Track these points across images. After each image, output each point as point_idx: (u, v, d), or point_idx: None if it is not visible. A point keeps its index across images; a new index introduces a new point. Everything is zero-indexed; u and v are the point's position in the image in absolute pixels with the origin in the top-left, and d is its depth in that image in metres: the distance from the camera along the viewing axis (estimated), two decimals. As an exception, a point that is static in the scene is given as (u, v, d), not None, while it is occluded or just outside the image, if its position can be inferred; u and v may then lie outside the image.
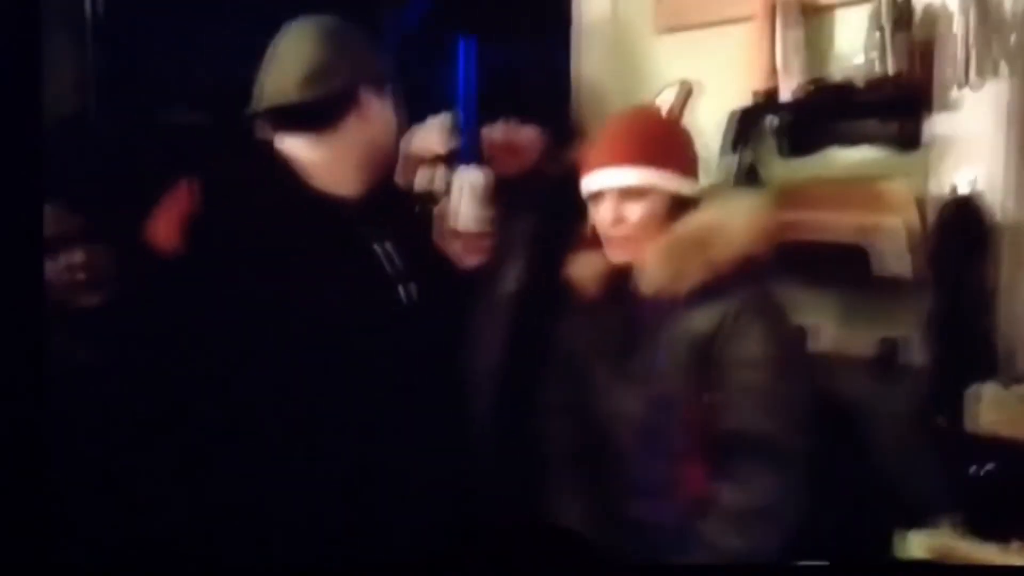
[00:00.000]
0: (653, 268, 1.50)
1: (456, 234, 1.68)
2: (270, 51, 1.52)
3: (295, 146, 1.52)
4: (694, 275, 1.47)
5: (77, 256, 1.54)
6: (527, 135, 1.77)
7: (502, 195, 1.71)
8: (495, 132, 1.74)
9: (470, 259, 1.68)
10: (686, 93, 1.81)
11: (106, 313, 1.56)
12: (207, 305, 1.44)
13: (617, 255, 1.55)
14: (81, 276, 1.55)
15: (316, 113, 1.50)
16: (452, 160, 1.74)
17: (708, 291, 1.47)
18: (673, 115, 1.77)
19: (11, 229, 1.15)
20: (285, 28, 1.53)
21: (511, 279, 1.75)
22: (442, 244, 1.69)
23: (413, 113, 1.73)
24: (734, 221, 1.49)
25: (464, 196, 1.68)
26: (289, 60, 1.50)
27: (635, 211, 1.51)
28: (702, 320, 1.47)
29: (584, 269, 1.60)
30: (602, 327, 1.58)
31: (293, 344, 1.42)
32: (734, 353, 1.44)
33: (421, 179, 1.76)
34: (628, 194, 1.51)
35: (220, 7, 2.07)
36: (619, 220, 1.52)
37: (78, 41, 2.08)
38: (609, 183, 1.52)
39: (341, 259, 1.50)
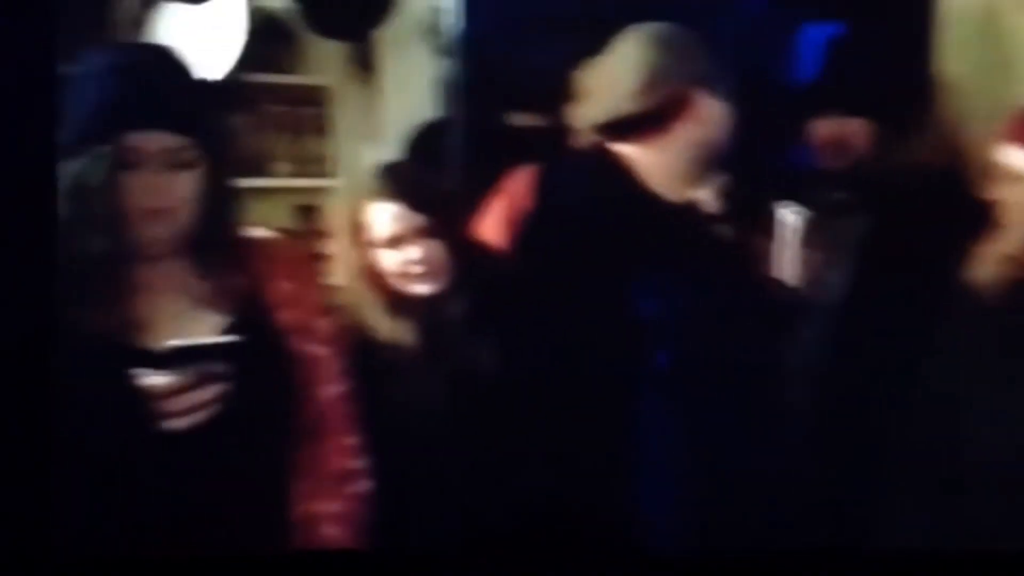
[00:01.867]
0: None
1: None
2: (601, 60, 1.53)
3: (628, 151, 1.51)
4: None
5: (415, 251, 1.60)
6: (855, 128, 1.68)
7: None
8: (825, 126, 1.67)
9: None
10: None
11: (435, 303, 1.61)
12: (536, 300, 1.44)
13: None
14: (417, 269, 1.61)
15: (648, 120, 1.48)
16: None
17: None
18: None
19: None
20: (617, 37, 1.54)
21: (837, 285, 1.60)
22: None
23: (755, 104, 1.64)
24: None
25: (787, 242, 1.57)
26: (620, 70, 1.52)
27: None
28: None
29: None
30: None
31: (622, 343, 1.41)
32: None
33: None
34: None
35: (561, 18, 2.11)
36: None
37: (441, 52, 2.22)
38: None
39: (691, 260, 1.47)
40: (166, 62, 1.32)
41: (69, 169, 1.24)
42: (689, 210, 1.56)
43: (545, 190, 1.63)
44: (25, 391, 1.24)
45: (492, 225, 1.69)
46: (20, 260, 1.27)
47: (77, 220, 1.23)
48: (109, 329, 1.25)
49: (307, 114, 2.67)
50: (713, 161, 1.58)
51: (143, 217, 1.25)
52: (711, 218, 1.58)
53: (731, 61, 1.62)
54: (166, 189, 1.25)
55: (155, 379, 1.21)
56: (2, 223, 1.27)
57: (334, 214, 1.72)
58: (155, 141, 1.24)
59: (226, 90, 2.02)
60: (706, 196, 1.58)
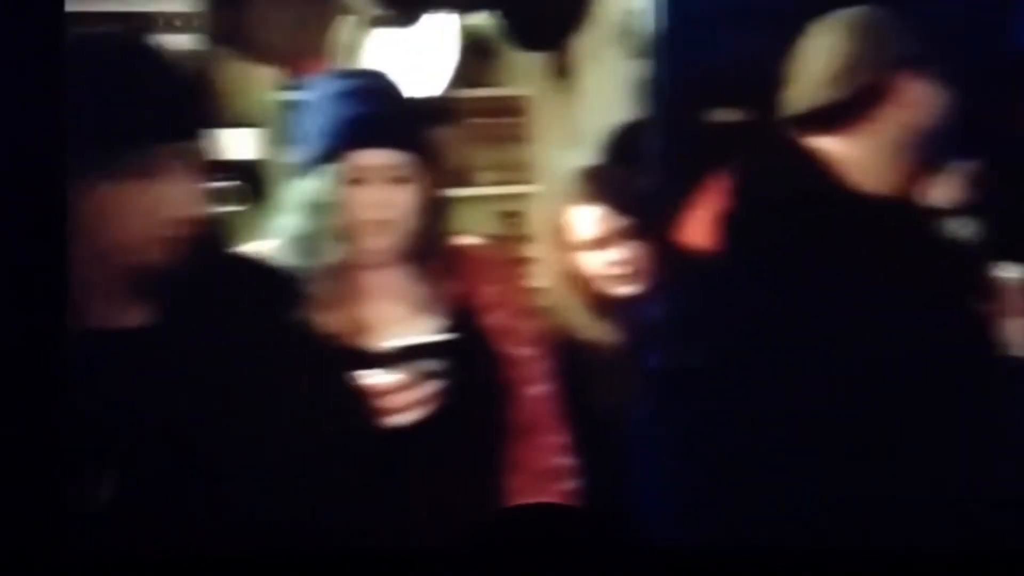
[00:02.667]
0: None
1: None
2: (798, 51, 1.47)
3: (828, 144, 1.45)
4: None
5: (617, 253, 1.60)
6: None
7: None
8: None
9: None
10: None
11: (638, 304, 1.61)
12: (739, 300, 1.42)
13: None
14: (619, 271, 1.61)
15: (846, 109, 1.41)
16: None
17: None
18: None
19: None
20: (812, 26, 1.47)
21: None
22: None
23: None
24: None
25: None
26: (814, 60, 1.45)
27: None
28: None
29: None
30: None
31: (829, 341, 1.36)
32: None
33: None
34: None
35: (759, 10, 2.05)
36: None
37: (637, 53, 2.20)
38: None
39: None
40: (386, 85, 1.41)
41: (303, 186, 1.34)
42: (899, 205, 1.46)
43: (745, 188, 1.59)
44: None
45: (695, 225, 1.66)
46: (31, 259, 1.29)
47: (310, 232, 1.33)
48: (339, 331, 1.33)
49: (508, 124, 2.74)
50: (930, 148, 1.47)
51: (368, 229, 1.34)
52: (927, 213, 1.47)
53: (952, 39, 1.50)
54: (388, 202, 1.33)
55: (380, 377, 1.28)
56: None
57: (536, 219, 1.76)
58: (379, 158, 1.33)
59: (437, 107, 2.10)
60: (933, 188, 1.47)
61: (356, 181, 1.33)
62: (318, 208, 1.32)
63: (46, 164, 1.23)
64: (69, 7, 1.26)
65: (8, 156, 1.25)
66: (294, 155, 1.38)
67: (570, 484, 1.46)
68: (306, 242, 1.34)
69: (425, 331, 1.38)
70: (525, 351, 1.45)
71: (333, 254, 1.33)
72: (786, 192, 1.50)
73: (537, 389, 1.46)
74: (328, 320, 1.34)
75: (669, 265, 1.60)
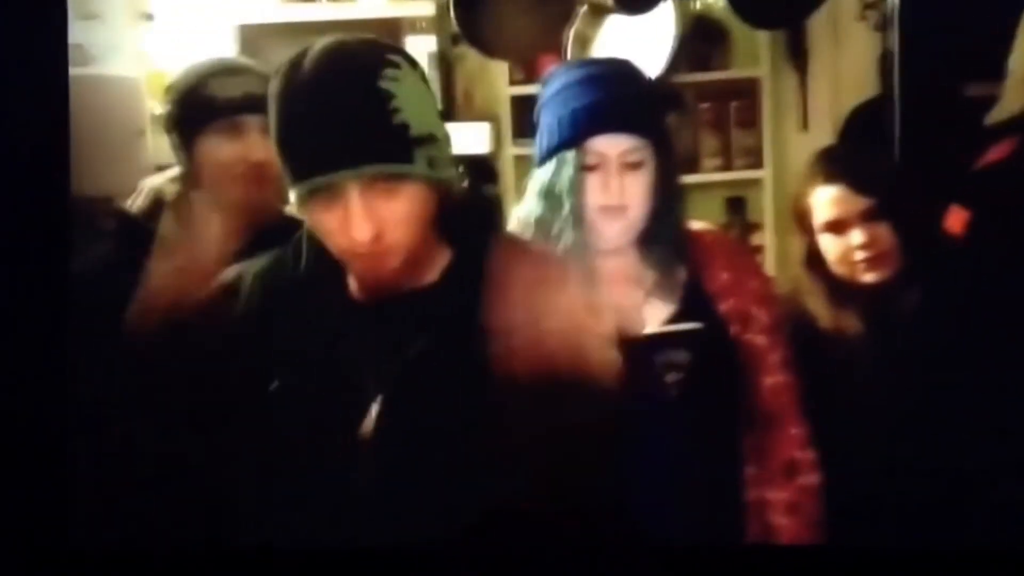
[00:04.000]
0: None
1: None
2: None
3: None
4: None
5: (859, 235, 1.49)
6: None
7: None
8: None
9: None
10: None
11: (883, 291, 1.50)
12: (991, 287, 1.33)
13: None
14: (862, 255, 1.50)
15: None
16: None
17: None
18: None
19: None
20: None
21: None
22: None
23: None
24: None
25: None
26: None
27: None
28: None
29: None
30: None
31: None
32: None
33: None
34: None
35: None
36: None
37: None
38: None
39: None
40: (621, 72, 1.39)
41: (540, 174, 1.35)
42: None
43: (996, 163, 1.44)
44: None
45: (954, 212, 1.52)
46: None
47: (547, 218, 1.34)
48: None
49: (736, 108, 2.64)
50: None
51: (603, 214, 1.33)
52: None
53: None
54: (623, 188, 1.31)
55: (628, 364, 1.26)
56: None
57: (771, 204, 1.67)
58: (615, 143, 1.31)
59: (670, 92, 2.06)
60: None
61: (592, 167, 1.32)
62: (555, 195, 1.33)
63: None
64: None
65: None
66: (532, 145, 1.39)
67: (811, 478, 1.38)
68: (543, 228, 1.34)
69: (658, 317, 1.36)
70: (762, 340, 1.39)
71: (569, 239, 1.33)
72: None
73: (775, 379, 1.39)
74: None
75: (915, 249, 1.48)
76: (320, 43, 1.09)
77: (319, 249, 1.14)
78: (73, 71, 1.77)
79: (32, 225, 1.23)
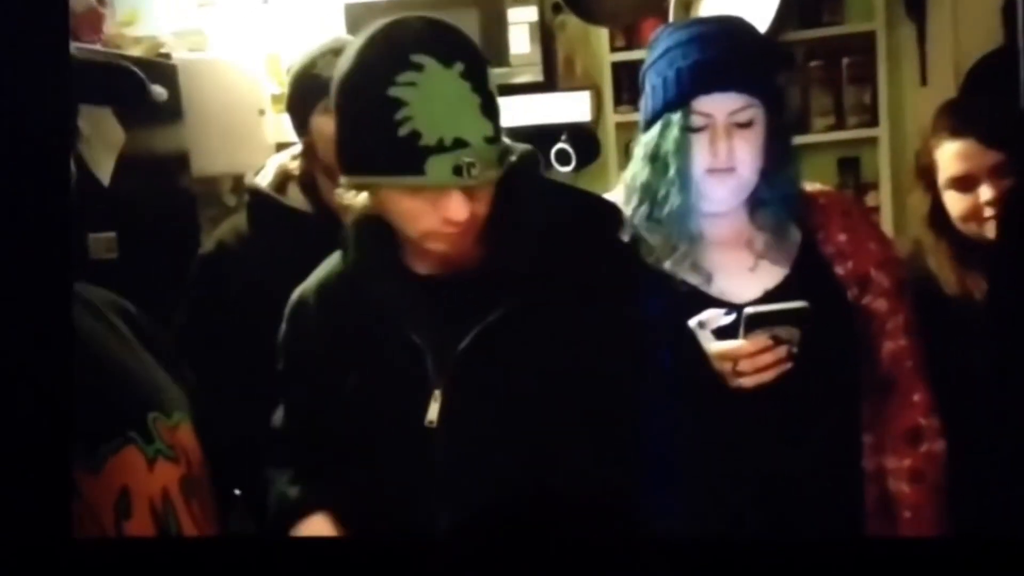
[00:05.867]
0: None
1: None
2: None
3: None
4: None
5: (988, 191, 1.38)
6: None
7: None
8: None
9: None
10: None
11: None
12: None
13: None
14: (990, 212, 1.38)
15: None
16: None
17: None
18: None
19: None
20: None
21: None
22: None
23: None
24: None
25: None
26: None
27: None
28: None
29: None
30: None
31: None
32: None
33: None
34: None
35: None
36: None
37: None
38: None
39: None
40: (728, 30, 1.31)
41: (647, 137, 1.30)
42: None
43: None
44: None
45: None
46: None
47: (655, 181, 1.28)
48: (683, 279, 1.28)
49: (849, 64, 2.48)
50: None
51: (711, 176, 1.26)
52: None
53: None
54: (731, 149, 1.24)
55: (733, 341, 1.21)
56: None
57: (884, 163, 1.56)
58: (724, 102, 1.24)
59: (779, 50, 1.95)
60: None
61: (699, 128, 1.25)
62: (660, 157, 1.27)
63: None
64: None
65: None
66: (635, 112, 1.33)
67: (936, 445, 1.29)
68: (649, 192, 1.29)
69: (770, 279, 1.29)
70: (882, 304, 1.30)
71: (676, 203, 1.27)
72: None
73: (897, 344, 1.31)
74: (675, 267, 1.29)
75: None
76: (361, 34, 1.07)
77: (375, 237, 1.13)
78: (193, 56, 1.82)
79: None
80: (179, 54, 1.95)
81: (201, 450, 1.05)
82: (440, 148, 1.02)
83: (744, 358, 1.21)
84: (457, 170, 1.02)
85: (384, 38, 1.05)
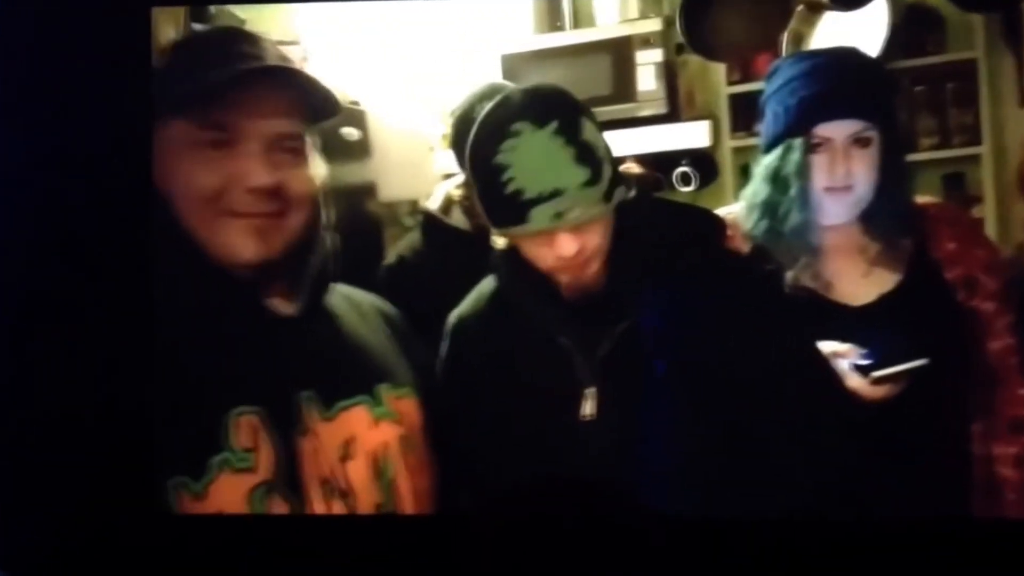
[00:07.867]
0: None
1: None
2: None
3: None
4: None
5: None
6: None
7: None
8: None
9: None
10: None
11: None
12: None
13: None
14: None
15: None
16: None
17: None
18: None
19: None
20: None
21: None
22: None
23: None
24: None
25: None
26: None
27: None
28: None
29: None
30: None
31: None
32: None
33: None
34: None
35: None
36: None
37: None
38: None
39: None
40: (843, 60, 1.42)
41: (767, 160, 1.40)
42: None
43: None
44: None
45: None
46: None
47: (774, 200, 1.39)
48: (807, 287, 1.39)
49: (952, 89, 2.54)
50: None
51: (829, 194, 1.38)
52: None
53: None
54: (848, 169, 1.35)
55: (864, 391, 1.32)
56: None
57: (988, 177, 1.64)
58: (841, 129, 1.35)
59: (889, 77, 2.04)
60: None
61: (820, 150, 1.35)
62: (781, 178, 1.36)
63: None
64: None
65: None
66: (748, 138, 1.46)
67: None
68: (770, 209, 1.38)
69: (884, 286, 1.38)
70: (989, 305, 1.38)
71: (796, 220, 1.37)
72: None
73: (1003, 343, 1.38)
74: (796, 277, 1.39)
75: None
76: (479, 113, 1.27)
77: (519, 264, 1.30)
78: (376, 103, 2.05)
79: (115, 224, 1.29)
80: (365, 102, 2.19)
81: (422, 418, 1.27)
82: (540, 199, 1.19)
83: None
84: (557, 215, 1.20)
85: (491, 114, 1.25)
